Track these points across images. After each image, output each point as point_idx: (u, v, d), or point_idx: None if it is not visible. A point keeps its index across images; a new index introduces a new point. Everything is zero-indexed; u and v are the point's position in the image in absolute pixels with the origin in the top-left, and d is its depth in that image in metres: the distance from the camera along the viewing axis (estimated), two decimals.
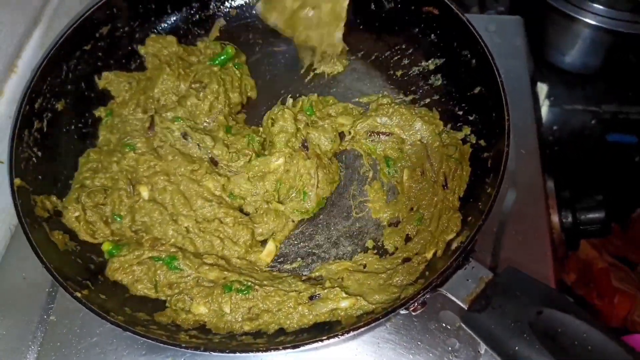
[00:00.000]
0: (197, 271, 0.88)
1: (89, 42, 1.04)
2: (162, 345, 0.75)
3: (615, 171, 1.37)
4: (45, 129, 0.97)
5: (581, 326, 0.68)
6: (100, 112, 1.05)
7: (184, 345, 0.75)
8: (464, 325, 0.76)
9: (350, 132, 1.03)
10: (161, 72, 1.03)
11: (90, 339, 0.90)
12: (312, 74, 1.13)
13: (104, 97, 1.07)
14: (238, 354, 0.74)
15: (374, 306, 0.81)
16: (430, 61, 1.09)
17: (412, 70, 1.10)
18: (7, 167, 0.89)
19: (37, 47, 1.06)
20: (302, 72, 1.13)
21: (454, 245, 0.84)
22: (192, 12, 1.17)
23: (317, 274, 0.91)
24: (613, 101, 1.44)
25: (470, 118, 0.99)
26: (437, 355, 0.86)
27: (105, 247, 0.91)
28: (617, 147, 1.41)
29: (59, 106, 1.00)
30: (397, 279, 0.85)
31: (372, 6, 1.14)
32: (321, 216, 0.97)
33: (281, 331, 0.83)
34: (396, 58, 1.12)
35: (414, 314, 0.80)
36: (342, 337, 0.74)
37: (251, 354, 0.75)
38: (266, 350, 0.74)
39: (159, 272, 0.88)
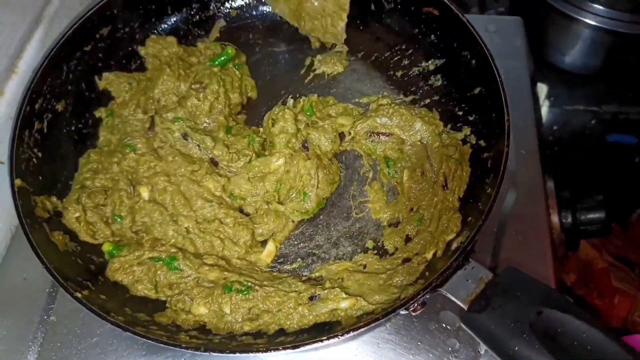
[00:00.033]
0: (197, 272, 0.88)
1: (89, 42, 1.05)
2: (162, 345, 0.75)
3: (615, 171, 1.37)
4: (45, 130, 0.97)
5: (581, 326, 0.68)
6: (100, 112, 1.05)
7: (184, 345, 0.75)
8: (463, 326, 0.76)
9: (350, 133, 1.03)
10: (161, 72, 1.04)
11: (91, 339, 0.90)
12: (312, 74, 1.13)
13: (104, 98, 1.07)
14: (238, 355, 0.74)
15: (374, 306, 0.81)
16: (430, 62, 1.09)
17: (412, 71, 1.10)
18: (8, 168, 0.89)
19: (38, 47, 1.06)
20: (302, 72, 1.13)
21: (454, 245, 0.84)
22: (192, 12, 1.17)
23: (317, 274, 0.91)
24: (613, 101, 1.44)
25: (470, 118, 0.99)
26: (437, 355, 0.86)
27: (106, 247, 0.91)
28: (617, 148, 1.41)
29: (60, 107, 1.00)
30: (397, 279, 0.85)
31: (372, 7, 1.14)
32: (321, 217, 0.98)
33: (281, 331, 0.83)
34: (396, 59, 1.12)
35: (414, 314, 0.80)
36: (342, 338, 0.74)
37: (251, 355, 0.75)
38: (266, 351, 0.74)
39: (159, 272, 0.88)
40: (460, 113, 1.01)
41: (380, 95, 1.08)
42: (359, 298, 0.82)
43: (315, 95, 1.07)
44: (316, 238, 0.96)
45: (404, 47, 1.12)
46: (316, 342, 0.74)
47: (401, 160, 0.99)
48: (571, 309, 0.70)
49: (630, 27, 1.26)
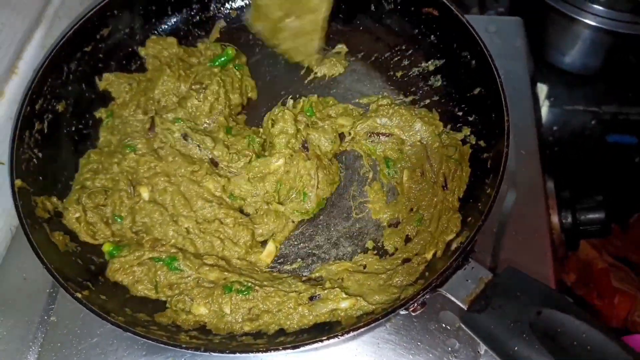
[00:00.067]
0: (197, 272, 0.88)
1: (89, 43, 1.05)
2: (162, 345, 0.75)
3: (615, 172, 1.37)
4: (46, 130, 0.97)
5: (581, 326, 0.68)
6: (100, 113, 1.05)
7: (184, 345, 0.75)
8: (463, 326, 0.76)
9: (350, 133, 1.03)
10: (161, 73, 1.04)
11: (91, 339, 0.90)
12: (312, 75, 1.13)
13: (105, 99, 1.07)
14: (238, 355, 0.74)
15: (373, 307, 0.81)
16: (430, 62, 1.09)
17: (412, 71, 1.10)
18: (8, 168, 0.89)
19: (38, 48, 1.06)
20: (302, 73, 1.13)
21: (454, 245, 0.84)
22: (193, 13, 1.18)
23: (317, 274, 0.91)
24: (613, 102, 1.45)
25: (470, 119, 0.99)
26: (437, 355, 0.86)
27: (106, 248, 0.91)
28: (617, 148, 1.41)
29: (60, 107, 1.00)
30: (397, 279, 0.85)
31: (372, 7, 1.14)
32: (321, 217, 0.98)
33: (281, 332, 0.83)
34: (396, 59, 1.12)
35: (413, 314, 0.80)
36: (342, 338, 0.74)
37: (251, 355, 0.75)
38: (266, 351, 0.74)
39: (159, 272, 0.88)
40: (460, 113, 1.01)
41: (380, 96, 1.08)
42: (359, 298, 0.82)
43: (315, 95, 1.07)
44: (316, 238, 0.96)
45: (403, 47, 1.12)
46: (316, 342, 0.74)
47: (401, 160, 0.99)
48: (571, 309, 0.70)
49: (630, 28, 1.26)
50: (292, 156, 0.96)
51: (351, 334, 0.74)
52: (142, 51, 1.10)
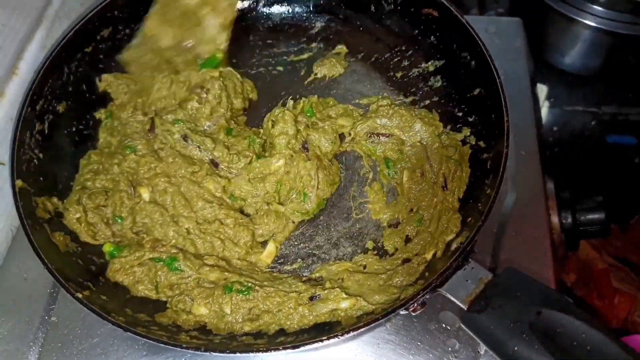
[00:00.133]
0: (197, 272, 0.88)
1: (90, 44, 1.05)
2: (162, 345, 0.75)
3: (615, 172, 1.37)
4: (46, 131, 0.97)
5: (581, 327, 0.68)
6: (100, 114, 1.05)
7: (184, 345, 0.75)
8: (463, 326, 0.76)
9: (350, 134, 1.03)
10: (153, 80, 1.03)
11: (92, 339, 0.90)
12: (312, 75, 1.13)
13: (105, 100, 1.07)
14: (238, 355, 0.74)
15: (373, 307, 0.81)
16: (430, 63, 1.09)
17: (412, 72, 1.11)
18: (9, 169, 0.89)
19: (39, 49, 1.06)
20: (302, 73, 1.14)
21: (454, 246, 0.84)
22: None
23: (317, 274, 0.91)
24: (613, 102, 1.45)
25: (470, 119, 0.99)
26: (437, 355, 0.86)
27: (106, 248, 0.91)
28: (617, 149, 1.41)
29: (61, 108, 1.01)
30: (397, 279, 0.85)
31: (372, 8, 1.14)
32: (321, 217, 0.98)
33: (281, 332, 0.83)
34: (396, 60, 1.13)
35: (413, 314, 0.80)
36: (342, 338, 0.74)
37: (251, 355, 0.75)
38: (266, 351, 0.74)
39: (159, 273, 0.88)
40: (460, 114, 1.01)
41: (380, 96, 1.08)
42: (359, 298, 0.82)
43: (315, 96, 1.07)
44: (316, 239, 0.96)
45: (403, 48, 1.13)
46: (316, 342, 0.74)
47: (401, 161, 0.99)
48: (571, 310, 0.70)
49: (629, 28, 1.27)
50: (293, 157, 0.96)
51: (351, 334, 0.74)
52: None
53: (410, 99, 1.08)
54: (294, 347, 0.73)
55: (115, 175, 0.96)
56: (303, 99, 1.07)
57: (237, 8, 1.09)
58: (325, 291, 0.85)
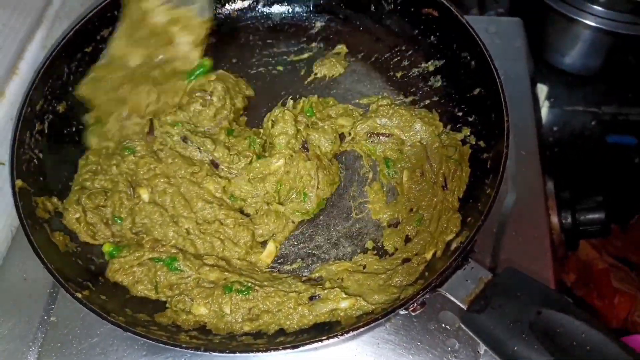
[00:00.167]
0: (197, 272, 0.88)
1: (90, 44, 1.05)
2: (162, 345, 0.75)
3: (615, 172, 1.37)
4: (46, 131, 0.97)
5: (580, 327, 0.68)
6: (89, 118, 1.02)
7: (184, 345, 0.75)
8: (463, 326, 0.76)
9: (350, 134, 1.03)
10: (117, 108, 1.00)
11: (91, 339, 0.90)
12: (312, 75, 1.13)
13: None
14: (238, 355, 0.74)
15: (373, 306, 0.81)
16: (430, 62, 1.09)
17: (412, 72, 1.11)
18: (9, 169, 0.89)
19: (39, 49, 1.06)
20: (302, 73, 1.14)
21: (454, 245, 0.84)
22: None
23: (317, 274, 0.91)
24: (613, 102, 1.45)
25: (470, 119, 0.99)
26: (437, 355, 0.86)
27: (106, 248, 0.91)
28: (617, 149, 1.41)
29: (61, 108, 1.01)
30: (397, 279, 0.85)
31: (372, 8, 1.14)
32: (321, 217, 0.98)
33: (281, 332, 0.83)
34: (396, 59, 1.13)
35: (413, 314, 0.80)
36: (341, 338, 0.74)
37: (251, 354, 0.75)
38: (266, 351, 0.74)
39: (159, 273, 0.88)
40: (460, 114, 1.01)
41: (380, 96, 1.08)
42: (358, 298, 0.82)
43: (315, 96, 1.07)
44: (316, 238, 0.96)
45: (403, 48, 1.13)
46: (316, 342, 0.74)
47: (401, 161, 0.99)
48: (571, 310, 0.70)
49: (629, 28, 1.27)
50: (293, 157, 0.96)
51: (351, 333, 0.74)
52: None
53: (410, 98, 1.08)
54: (293, 347, 0.73)
55: (114, 176, 0.96)
56: (303, 98, 1.07)
57: (208, 26, 1.03)
58: (325, 291, 0.85)
